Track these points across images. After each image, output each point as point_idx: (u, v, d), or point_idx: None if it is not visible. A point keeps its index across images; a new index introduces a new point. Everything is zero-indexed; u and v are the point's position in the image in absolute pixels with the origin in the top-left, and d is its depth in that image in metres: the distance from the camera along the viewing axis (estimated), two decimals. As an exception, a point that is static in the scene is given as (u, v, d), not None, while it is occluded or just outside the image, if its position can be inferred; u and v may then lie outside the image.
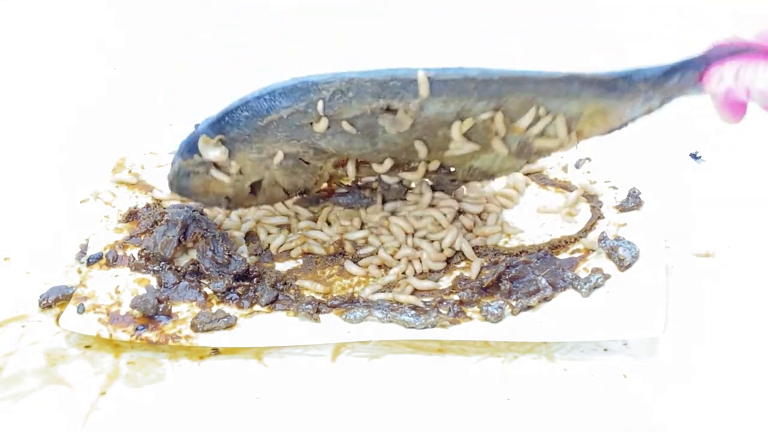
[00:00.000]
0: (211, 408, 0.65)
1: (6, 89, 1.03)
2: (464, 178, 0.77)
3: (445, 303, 0.72)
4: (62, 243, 0.79)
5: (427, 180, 0.78)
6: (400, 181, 0.78)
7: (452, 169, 0.77)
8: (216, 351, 0.69)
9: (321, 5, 1.23)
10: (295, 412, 0.64)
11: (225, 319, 0.70)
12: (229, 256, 0.76)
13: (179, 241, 0.76)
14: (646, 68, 0.68)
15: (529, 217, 0.82)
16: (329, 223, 0.81)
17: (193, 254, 0.77)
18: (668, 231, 0.78)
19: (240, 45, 1.14)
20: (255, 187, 0.78)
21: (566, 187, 0.85)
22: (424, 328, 0.70)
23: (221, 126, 0.73)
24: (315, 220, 0.81)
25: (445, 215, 0.78)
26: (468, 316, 0.71)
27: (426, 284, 0.75)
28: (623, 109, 0.69)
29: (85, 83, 1.04)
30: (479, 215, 0.80)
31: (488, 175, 0.77)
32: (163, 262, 0.76)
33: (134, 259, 0.76)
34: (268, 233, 0.81)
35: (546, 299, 0.72)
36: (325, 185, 0.80)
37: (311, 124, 0.72)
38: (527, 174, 0.86)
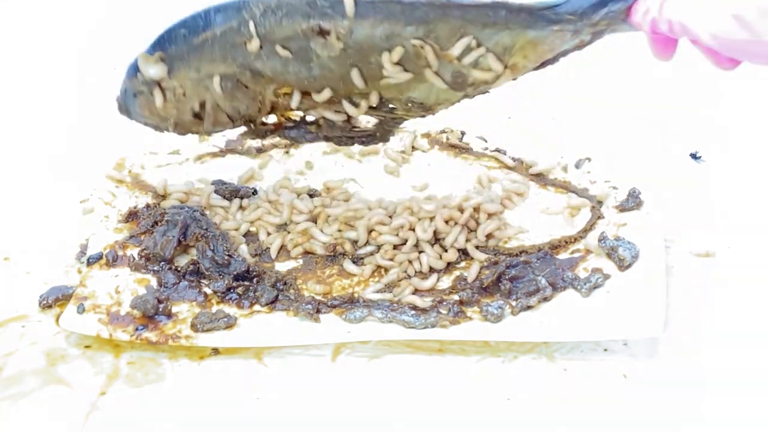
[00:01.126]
0: (211, 408, 0.65)
1: (6, 89, 1.03)
2: (404, 111, 0.77)
3: (445, 303, 0.72)
4: (62, 243, 0.79)
5: (370, 117, 0.78)
6: (346, 119, 0.78)
7: (392, 106, 0.76)
8: (216, 351, 0.69)
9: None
10: (295, 412, 0.64)
11: (225, 319, 0.70)
12: (229, 256, 0.76)
13: (179, 241, 0.76)
14: (574, 0, 0.68)
15: (529, 217, 0.82)
16: (329, 224, 0.81)
17: (193, 254, 0.77)
18: (668, 231, 0.78)
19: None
20: (200, 113, 0.79)
21: (566, 187, 0.85)
22: (424, 328, 0.70)
23: (161, 43, 0.75)
24: (314, 221, 0.81)
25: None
26: (468, 316, 0.71)
27: (426, 284, 0.75)
28: (553, 41, 0.69)
29: (85, 83, 1.04)
30: (478, 214, 0.81)
31: (427, 108, 0.76)
32: (163, 262, 0.76)
33: (134, 259, 0.76)
34: (268, 233, 0.81)
35: (546, 299, 0.72)
36: (274, 119, 0.80)
37: (245, 44, 0.73)
38: (530, 176, 0.87)
